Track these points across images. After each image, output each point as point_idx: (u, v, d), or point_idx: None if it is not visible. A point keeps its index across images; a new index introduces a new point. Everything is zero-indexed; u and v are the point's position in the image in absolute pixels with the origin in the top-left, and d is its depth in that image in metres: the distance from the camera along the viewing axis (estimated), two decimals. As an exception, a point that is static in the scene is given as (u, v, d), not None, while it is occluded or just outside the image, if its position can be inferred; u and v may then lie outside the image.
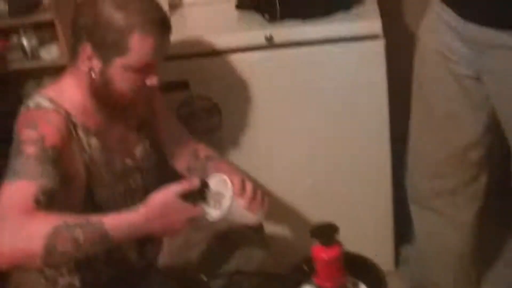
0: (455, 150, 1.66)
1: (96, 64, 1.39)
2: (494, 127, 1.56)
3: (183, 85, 1.90)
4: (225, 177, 1.41)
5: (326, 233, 1.28)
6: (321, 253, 1.27)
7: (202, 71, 1.90)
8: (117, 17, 1.35)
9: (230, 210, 1.38)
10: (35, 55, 2.21)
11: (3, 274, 1.78)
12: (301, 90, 1.90)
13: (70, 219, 1.21)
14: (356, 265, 1.38)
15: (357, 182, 2.02)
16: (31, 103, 1.40)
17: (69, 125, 1.39)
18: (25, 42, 2.20)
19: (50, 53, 2.21)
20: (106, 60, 1.38)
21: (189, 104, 1.94)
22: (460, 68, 1.55)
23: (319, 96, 1.90)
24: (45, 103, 1.39)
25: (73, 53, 1.44)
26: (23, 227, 1.18)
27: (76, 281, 1.54)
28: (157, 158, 1.66)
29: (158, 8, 1.42)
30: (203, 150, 1.70)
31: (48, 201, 1.24)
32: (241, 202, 1.42)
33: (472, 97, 1.56)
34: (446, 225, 1.81)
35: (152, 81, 1.44)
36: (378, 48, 1.81)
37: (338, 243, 1.29)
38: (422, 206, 1.83)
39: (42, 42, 2.21)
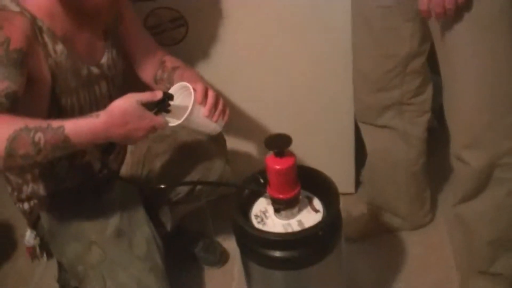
0: (397, 62, 1.67)
1: None
2: (430, 35, 1.56)
3: (151, -6, 1.87)
4: (188, 84, 1.41)
5: (279, 143, 1.29)
6: (274, 164, 1.29)
7: (168, -20, 1.87)
8: None
9: (191, 116, 1.38)
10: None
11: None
12: (269, 5, 1.86)
13: (31, 122, 1.21)
14: (311, 180, 1.41)
15: (320, 100, 2.01)
16: None
17: (35, 29, 1.38)
18: None
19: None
20: None
21: (156, 15, 1.91)
22: None
23: (286, 11, 1.87)
24: (11, 6, 1.37)
25: None
26: None
27: (41, 189, 1.57)
28: (123, 68, 1.66)
29: None
30: (171, 61, 1.69)
31: (11, 104, 1.24)
32: (203, 110, 1.43)
33: (407, 10, 1.55)
34: (396, 140, 1.83)
35: None
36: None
37: (291, 155, 1.31)
38: (371, 123, 1.84)
39: None
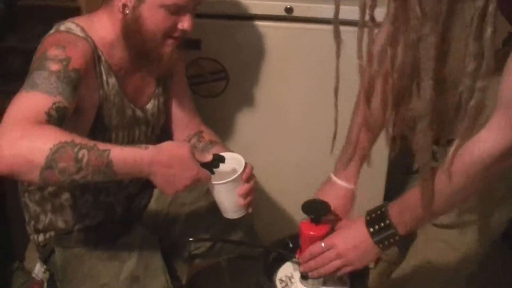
0: None
1: (130, 0, 1.39)
2: None
3: (195, 44, 1.87)
4: (242, 158, 1.40)
5: (317, 210, 1.26)
6: (309, 230, 1.26)
7: (216, 33, 1.87)
8: None
9: (231, 184, 1.36)
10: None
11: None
12: (311, 68, 1.87)
13: (79, 139, 1.17)
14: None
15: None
16: (62, 27, 1.40)
17: (94, 57, 1.39)
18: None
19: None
20: None
21: (198, 65, 1.91)
22: None
23: (327, 77, 1.86)
24: (76, 30, 1.39)
25: None
26: (30, 135, 1.13)
27: (59, 222, 1.54)
28: (164, 120, 1.65)
29: None
30: (209, 134, 1.67)
31: (59, 120, 1.21)
32: (240, 188, 1.39)
33: None
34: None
35: (184, 24, 1.42)
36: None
37: (327, 222, 1.28)
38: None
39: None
